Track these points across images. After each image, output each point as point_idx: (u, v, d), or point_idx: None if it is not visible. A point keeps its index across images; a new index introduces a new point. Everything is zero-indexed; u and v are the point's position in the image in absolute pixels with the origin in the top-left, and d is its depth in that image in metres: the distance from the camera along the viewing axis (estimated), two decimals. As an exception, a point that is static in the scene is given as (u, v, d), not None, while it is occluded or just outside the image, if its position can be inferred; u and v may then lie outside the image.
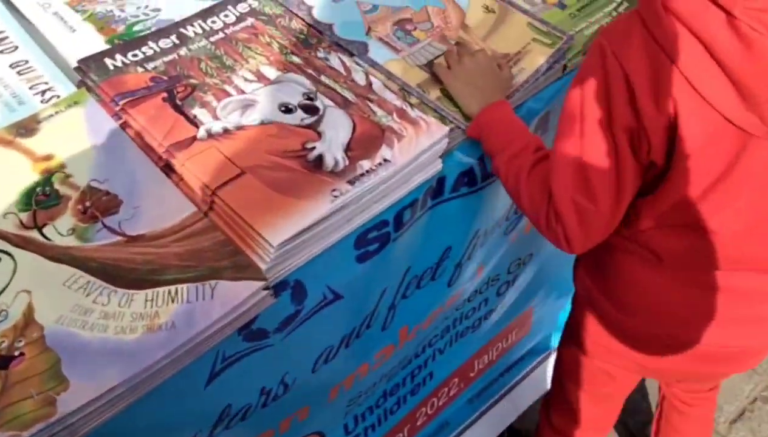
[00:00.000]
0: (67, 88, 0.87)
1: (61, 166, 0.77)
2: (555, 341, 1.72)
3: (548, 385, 1.72)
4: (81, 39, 0.93)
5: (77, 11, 0.98)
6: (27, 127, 0.81)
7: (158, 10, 0.99)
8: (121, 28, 0.95)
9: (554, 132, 0.95)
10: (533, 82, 0.90)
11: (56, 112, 0.83)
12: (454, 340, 1.25)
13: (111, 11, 0.98)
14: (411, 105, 0.83)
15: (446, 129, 0.80)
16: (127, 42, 0.90)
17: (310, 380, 0.89)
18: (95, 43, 0.93)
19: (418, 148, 0.78)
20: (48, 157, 0.78)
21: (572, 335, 1.13)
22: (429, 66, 0.90)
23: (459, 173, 0.86)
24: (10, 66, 0.90)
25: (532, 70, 0.90)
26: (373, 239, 0.79)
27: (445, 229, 0.91)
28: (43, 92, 0.87)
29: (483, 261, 1.07)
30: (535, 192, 0.81)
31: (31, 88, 0.87)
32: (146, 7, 0.99)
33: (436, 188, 0.85)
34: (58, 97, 0.86)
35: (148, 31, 0.94)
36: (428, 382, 1.29)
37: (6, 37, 0.94)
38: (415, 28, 0.95)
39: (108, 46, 0.91)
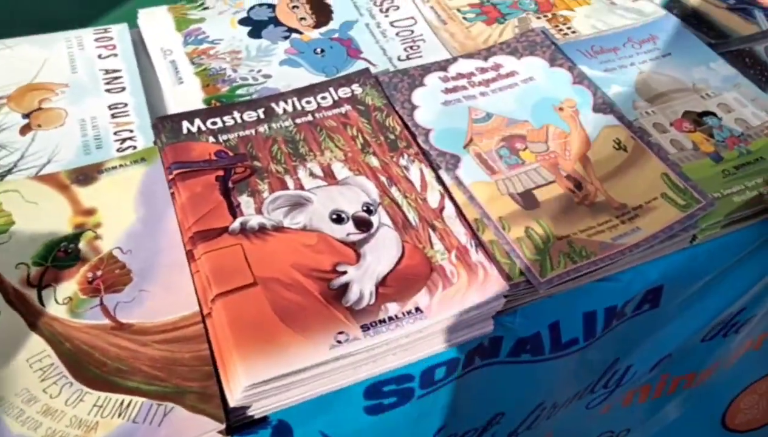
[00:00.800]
0: (147, 141, 0.84)
1: (96, 225, 0.73)
2: None
3: None
4: (182, 92, 0.91)
5: (193, 63, 0.96)
6: (87, 175, 0.78)
7: (269, 76, 0.94)
8: (224, 89, 0.92)
9: (667, 309, 0.77)
10: (646, 248, 0.73)
11: (120, 165, 0.80)
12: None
13: (224, 69, 0.95)
14: (480, 243, 0.70)
15: (505, 286, 0.65)
16: (213, 108, 0.86)
17: None
18: (193, 99, 0.90)
19: (464, 304, 0.64)
20: (90, 212, 0.74)
21: None
22: (523, 196, 0.76)
23: (519, 338, 0.71)
24: (109, 106, 0.89)
25: (648, 234, 0.73)
26: (390, 392, 0.67)
27: (497, 394, 0.76)
28: (123, 140, 0.85)
29: (553, 431, 0.89)
30: None
31: (115, 133, 0.86)
32: (258, 71, 0.95)
33: (489, 349, 0.71)
34: (135, 148, 0.83)
35: (248, 97, 0.90)
36: None
37: (120, 77, 0.94)
38: (525, 148, 0.82)
39: (203, 106, 0.88)
